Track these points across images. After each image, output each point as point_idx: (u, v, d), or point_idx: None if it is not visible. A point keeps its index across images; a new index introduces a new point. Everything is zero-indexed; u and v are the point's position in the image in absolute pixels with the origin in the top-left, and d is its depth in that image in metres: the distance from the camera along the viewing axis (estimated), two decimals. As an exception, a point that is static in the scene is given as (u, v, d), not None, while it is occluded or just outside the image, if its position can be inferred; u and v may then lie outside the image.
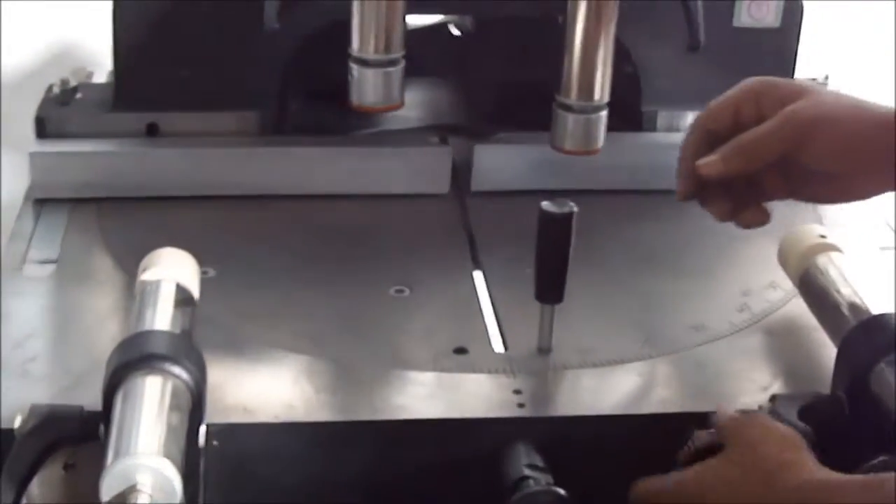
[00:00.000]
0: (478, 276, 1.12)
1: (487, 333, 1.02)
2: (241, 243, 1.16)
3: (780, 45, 1.28)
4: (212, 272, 1.07)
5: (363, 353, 0.99)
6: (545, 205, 0.94)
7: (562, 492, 0.86)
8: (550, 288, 0.96)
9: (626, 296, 1.08)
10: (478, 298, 1.07)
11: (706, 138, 0.96)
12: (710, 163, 0.94)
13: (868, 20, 1.74)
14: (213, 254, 1.09)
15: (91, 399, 0.85)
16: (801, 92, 0.94)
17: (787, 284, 1.07)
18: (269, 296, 1.07)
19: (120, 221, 1.18)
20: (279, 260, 1.13)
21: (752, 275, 1.11)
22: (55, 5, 1.65)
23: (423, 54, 1.32)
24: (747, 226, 0.97)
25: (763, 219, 0.97)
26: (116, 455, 0.76)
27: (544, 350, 1.00)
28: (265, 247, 1.15)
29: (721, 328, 1.04)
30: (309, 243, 1.16)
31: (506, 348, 1.01)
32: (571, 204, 0.94)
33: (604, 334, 1.03)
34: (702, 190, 0.96)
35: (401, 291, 1.08)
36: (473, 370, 0.97)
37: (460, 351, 1.00)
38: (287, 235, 1.18)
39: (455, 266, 1.13)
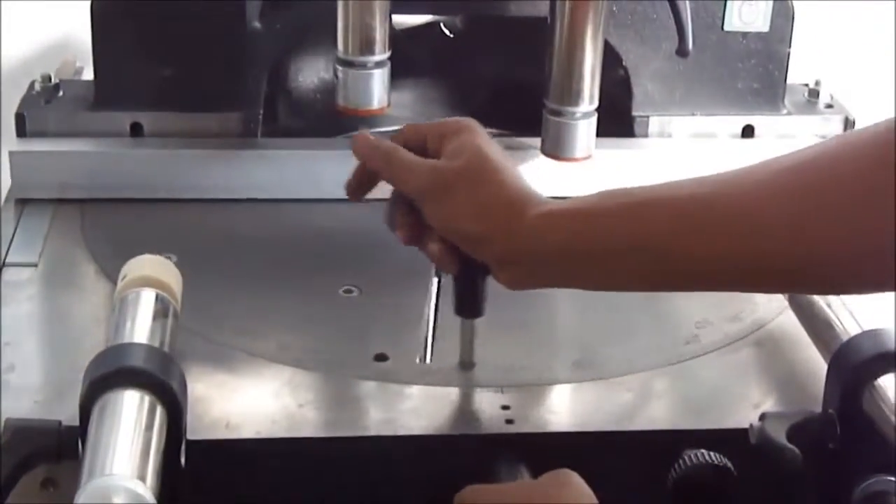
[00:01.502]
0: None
1: (426, 344, 0.98)
2: (224, 247, 1.14)
3: (771, 49, 1.27)
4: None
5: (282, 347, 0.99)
6: None
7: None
8: (469, 302, 0.94)
9: (609, 307, 1.06)
10: (430, 305, 1.03)
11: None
12: (360, 136, 0.94)
13: (862, 24, 1.72)
14: (195, 257, 1.08)
15: (72, 413, 0.82)
16: (473, 165, 0.89)
17: (777, 296, 1.05)
18: (246, 301, 1.06)
19: (104, 223, 1.16)
20: (260, 263, 1.12)
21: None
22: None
23: (413, 54, 1.31)
24: (433, 262, 0.93)
25: (446, 266, 0.92)
26: (91, 475, 0.74)
27: (466, 365, 0.98)
28: (247, 250, 1.14)
29: (712, 339, 1.03)
30: (293, 248, 1.15)
31: (425, 360, 0.97)
32: None
33: (589, 346, 1.02)
34: (392, 209, 0.94)
35: (349, 292, 1.08)
36: (389, 379, 0.96)
37: (380, 358, 0.99)
38: (271, 240, 1.16)
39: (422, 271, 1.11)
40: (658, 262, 0.84)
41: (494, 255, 0.88)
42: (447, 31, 1.38)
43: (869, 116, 1.30)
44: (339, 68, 1.15)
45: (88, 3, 1.20)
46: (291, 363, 0.97)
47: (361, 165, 0.95)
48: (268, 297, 1.07)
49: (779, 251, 0.80)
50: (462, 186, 0.88)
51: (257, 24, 1.18)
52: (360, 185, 0.96)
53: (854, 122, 1.30)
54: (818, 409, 0.91)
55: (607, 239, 0.85)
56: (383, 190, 1.19)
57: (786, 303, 1.04)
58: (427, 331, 0.95)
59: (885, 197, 0.76)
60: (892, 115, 0.79)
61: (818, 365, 0.96)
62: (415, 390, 0.95)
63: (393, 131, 1.29)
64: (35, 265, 1.09)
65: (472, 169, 0.89)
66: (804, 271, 0.80)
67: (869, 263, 0.78)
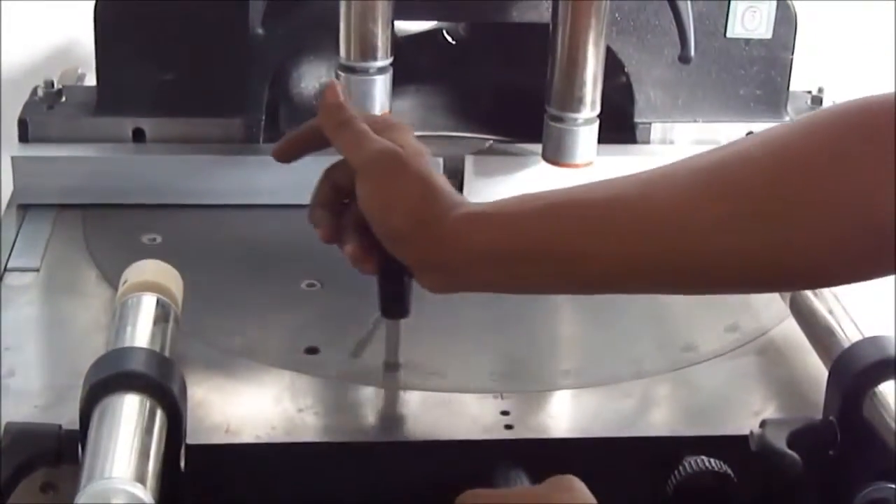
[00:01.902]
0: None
1: (363, 340, 1.00)
2: (222, 248, 1.15)
3: (774, 55, 1.27)
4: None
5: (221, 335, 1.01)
6: None
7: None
8: (394, 304, 0.93)
9: (610, 313, 1.06)
10: None
11: None
12: (336, 85, 0.92)
13: (865, 30, 1.72)
14: (199, 263, 1.08)
15: (72, 417, 0.82)
16: (408, 159, 0.87)
17: (779, 304, 1.05)
18: (215, 296, 1.07)
19: (105, 229, 1.16)
20: (249, 263, 1.13)
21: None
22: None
23: (415, 60, 1.31)
24: (351, 262, 0.91)
25: (363, 265, 0.90)
26: (90, 478, 0.74)
27: (391, 365, 0.98)
28: (241, 251, 1.15)
29: (712, 348, 1.02)
30: (284, 250, 1.15)
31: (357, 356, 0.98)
32: None
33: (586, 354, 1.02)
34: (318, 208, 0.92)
35: (312, 286, 1.09)
36: (310, 372, 0.96)
37: (311, 351, 0.99)
38: (267, 242, 1.17)
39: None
40: (571, 263, 0.83)
41: (416, 257, 0.87)
42: (449, 38, 1.38)
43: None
44: (341, 74, 1.16)
45: (91, 8, 1.20)
46: (222, 347, 0.99)
47: (308, 129, 0.94)
48: (237, 292, 1.08)
49: (747, 248, 0.79)
50: (400, 176, 0.86)
51: (259, 30, 1.18)
52: (302, 144, 0.95)
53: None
54: (819, 415, 0.91)
55: (524, 241, 0.84)
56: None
57: (788, 311, 1.04)
58: (369, 327, 0.94)
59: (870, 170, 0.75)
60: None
61: (819, 371, 0.95)
62: (414, 396, 0.95)
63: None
64: (37, 270, 1.10)
65: (408, 162, 0.87)
66: (777, 265, 0.80)
67: (853, 245, 0.77)
